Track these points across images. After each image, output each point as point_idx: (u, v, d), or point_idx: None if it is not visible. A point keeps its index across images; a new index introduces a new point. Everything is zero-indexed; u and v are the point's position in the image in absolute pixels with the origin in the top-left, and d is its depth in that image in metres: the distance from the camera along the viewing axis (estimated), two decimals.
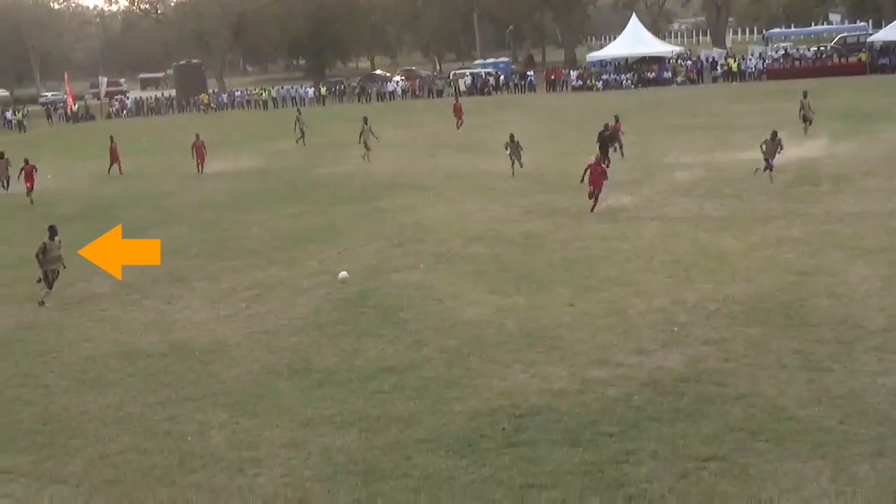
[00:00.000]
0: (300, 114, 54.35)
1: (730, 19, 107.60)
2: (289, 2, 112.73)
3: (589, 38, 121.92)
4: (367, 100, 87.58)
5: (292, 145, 52.10)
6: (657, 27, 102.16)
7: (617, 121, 37.80)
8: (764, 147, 29.72)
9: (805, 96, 40.32)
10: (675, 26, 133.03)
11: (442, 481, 11.94)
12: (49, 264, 21.09)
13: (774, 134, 29.94)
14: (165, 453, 13.30)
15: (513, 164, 34.70)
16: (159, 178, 43.30)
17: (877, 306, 17.36)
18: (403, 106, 73.44)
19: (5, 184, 39.87)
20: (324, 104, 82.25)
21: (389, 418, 13.98)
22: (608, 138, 33.85)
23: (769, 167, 29.51)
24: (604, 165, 26.27)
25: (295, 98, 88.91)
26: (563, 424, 13.29)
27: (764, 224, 24.63)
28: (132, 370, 16.99)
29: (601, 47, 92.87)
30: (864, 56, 73.03)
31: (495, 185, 32.90)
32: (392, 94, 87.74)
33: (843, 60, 75.11)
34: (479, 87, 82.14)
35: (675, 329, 16.95)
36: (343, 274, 20.49)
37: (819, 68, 73.29)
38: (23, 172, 37.21)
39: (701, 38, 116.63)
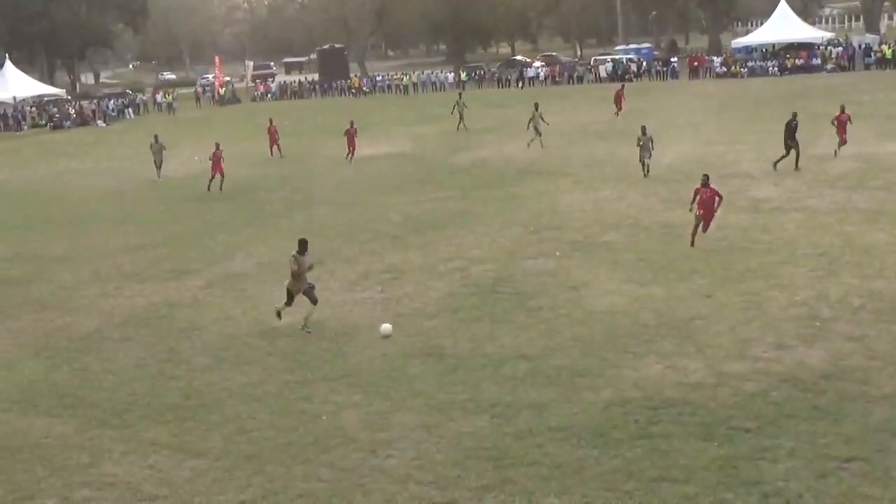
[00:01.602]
0: (461, 98, 53.93)
1: (885, 3, 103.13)
2: None
3: (735, 23, 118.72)
4: (506, 85, 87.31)
5: (433, 130, 52.37)
6: (807, 12, 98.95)
7: (843, 111, 33.85)
8: None
9: None
10: (827, 11, 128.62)
11: (573, 471, 11.91)
12: (301, 282, 18.25)
13: None
14: (300, 431, 13.64)
15: (643, 164, 31.83)
16: (302, 161, 44.12)
17: None
18: (543, 92, 73.01)
19: (158, 169, 40.75)
20: (463, 89, 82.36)
21: (521, 405, 14.02)
22: (794, 129, 31.69)
23: None
24: (712, 187, 22.15)
25: (435, 83, 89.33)
26: (697, 418, 13.11)
27: None
28: (270, 349, 17.48)
29: (747, 33, 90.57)
30: None
31: (634, 173, 32.41)
32: (532, 79, 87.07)
33: None
34: (620, 74, 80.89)
35: (818, 324, 16.53)
36: (386, 327, 16.91)
37: None
38: (213, 157, 36.32)
39: (853, 23, 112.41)
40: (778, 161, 31.37)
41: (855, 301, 17.54)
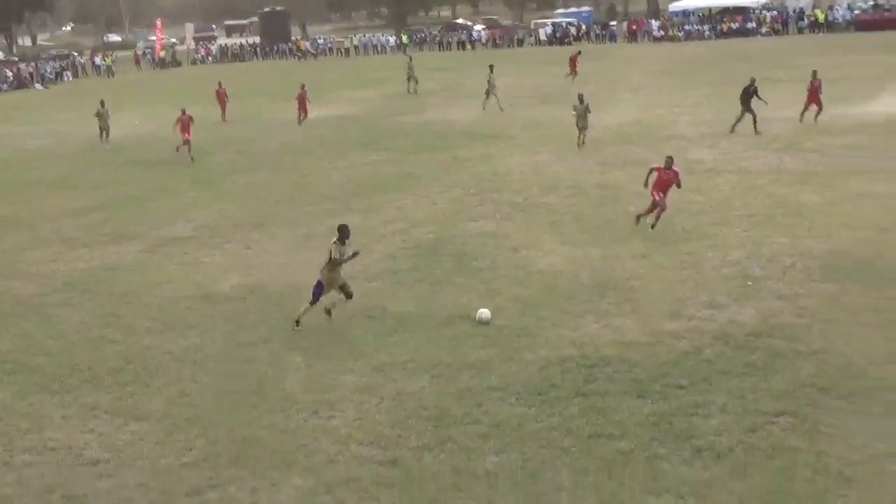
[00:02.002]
0: (411, 61, 53.92)
1: None
2: None
3: None
4: (448, 48, 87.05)
5: (376, 93, 52.19)
6: None
7: (815, 76, 33.05)
8: None
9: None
10: None
11: (511, 429, 12.05)
12: (338, 274, 15.90)
13: None
14: (242, 394, 13.61)
15: (580, 134, 30.65)
16: (245, 124, 43.75)
17: None
18: (486, 55, 72.86)
19: (105, 134, 39.49)
20: (405, 52, 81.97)
21: (461, 365, 14.12)
22: (751, 93, 31.81)
23: None
24: (675, 170, 20.03)
25: (377, 46, 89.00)
26: (633, 375, 13.31)
27: (846, 179, 24.16)
28: (212, 312, 17.38)
29: None
30: None
31: (573, 135, 32.58)
32: (473, 43, 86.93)
33: None
34: (559, 37, 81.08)
35: (749, 283, 16.84)
36: (483, 313, 15.75)
37: None
38: (179, 123, 34.47)
39: None
40: (735, 124, 31.97)
41: (786, 260, 17.86)
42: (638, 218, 20.58)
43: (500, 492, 10.66)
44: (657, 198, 20.02)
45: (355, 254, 15.99)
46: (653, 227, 20.25)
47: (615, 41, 79.64)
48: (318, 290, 15.81)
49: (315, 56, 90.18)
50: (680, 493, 10.35)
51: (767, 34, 74.35)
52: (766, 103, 31.87)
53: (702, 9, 79.87)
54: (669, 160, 20.18)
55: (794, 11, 77.79)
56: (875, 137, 29.34)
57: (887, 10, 73.67)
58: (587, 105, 30.45)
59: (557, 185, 25.69)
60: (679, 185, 20.28)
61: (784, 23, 76.06)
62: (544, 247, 19.97)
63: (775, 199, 22.66)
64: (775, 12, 78.78)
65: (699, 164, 27.17)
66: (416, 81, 50.94)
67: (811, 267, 17.39)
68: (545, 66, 54.84)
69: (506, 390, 13.14)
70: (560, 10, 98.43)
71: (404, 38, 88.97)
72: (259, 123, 43.91)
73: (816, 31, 73.14)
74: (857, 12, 74.50)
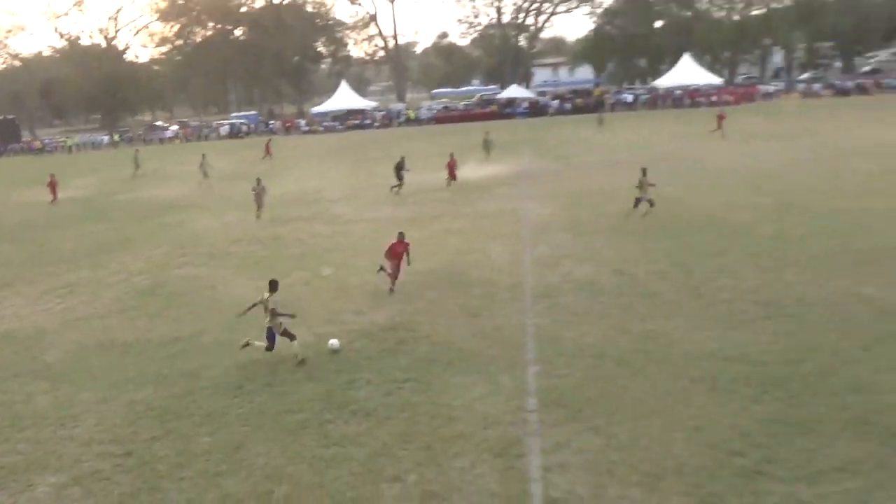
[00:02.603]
0: (138, 152, 50.56)
1: (408, 83, 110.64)
2: (86, 70, 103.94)
3: (313, 96, 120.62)
4: (150, 143, 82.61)
5: (95, 179, 48.35)
6: (361, 90, 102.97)
7: (452, 157, 33.11)
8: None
9: (487, 132, 42.26)
10: (372, 87, 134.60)
11: (219, 415, 11.87)
12: (277, 320, 13.76)
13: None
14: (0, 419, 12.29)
15: (258, 207, 28.47)
16: None
17: (507, 272, 18.69)
18: (180, 148, 70.05)
19: None
20: (116, 147, 77.15)
21: (177, 374, 13.67)
22: (401, 166, 32.08)
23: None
24: (405, 242, 17.66)
25: (93, 144, 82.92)
26: (305, 366, 13.46)
27: (436, 221, 25.68)
28: None
29: (321, 103, 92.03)
30: (495, 107, 77.45)
31: (251, 202, 32.17)
32: (171, 139, 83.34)
33: (482, 110, 79.10)
34: (235, 133, 79.83)
35: (381, 296, 17.45)
36: (333, 342, 14.26)
37: (467, 115, 77.03)
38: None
39: (390, 95, 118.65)
40: (394, 187, 32.07)
41: (403, 278, 18.67)
42: (391, 291, 17.49)
43: (213, 463, 10.49)
44: (392, 266, 17.49)
45: (292, 315, 13.98)
46: (391, 291, 17.51)
47: (275, 134, 79.42)
48: (272, 335, 13.69)
49: (51, 152, 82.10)
50: (343, 445, 10.68)
51: (379, 127, 77.58)
52: (408, 170, 32.50)
53: (335, 111, 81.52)
54: (401, 235, 17.80)
55: (395, 112, 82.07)
56: (455, 193, 31.36)
57: (453, 111, 79.95)
58: (264, 186, 29.06)
59: (240, 239, 25.27)
60: (408, 255, 17.70)
61: (390, 119, 79.72)
62: (233, 283, 19.61)
63: (394, 237, 23.59)
64: (384, 112, 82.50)
65: (341, 216, 27.85)
66: (138, 166, 48.00)
67: (419, 281, 18.36)
68: (226, 154, 53.57)
69: (213, 388, 12.89)
70: (234, 113, 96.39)
71: (116, 137, 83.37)
72: (5, 206, 39.31)
73: (410, 124, 77.28)
74: (434, 112, 79.93)
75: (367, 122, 79.20)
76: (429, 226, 24.86)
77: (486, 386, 12.16)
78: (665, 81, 75.57)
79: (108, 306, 18.44)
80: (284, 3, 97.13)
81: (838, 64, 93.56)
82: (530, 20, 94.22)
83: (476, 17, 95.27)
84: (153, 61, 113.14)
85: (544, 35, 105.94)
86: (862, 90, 72.51)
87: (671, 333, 13.78)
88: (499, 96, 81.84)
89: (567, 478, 9.45)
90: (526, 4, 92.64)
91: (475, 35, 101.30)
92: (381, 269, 17.75)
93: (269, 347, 13.74)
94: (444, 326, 15.04)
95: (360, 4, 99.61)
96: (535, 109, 76.50)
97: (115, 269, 22.29)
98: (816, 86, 77.36)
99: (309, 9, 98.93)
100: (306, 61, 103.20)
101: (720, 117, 45.43)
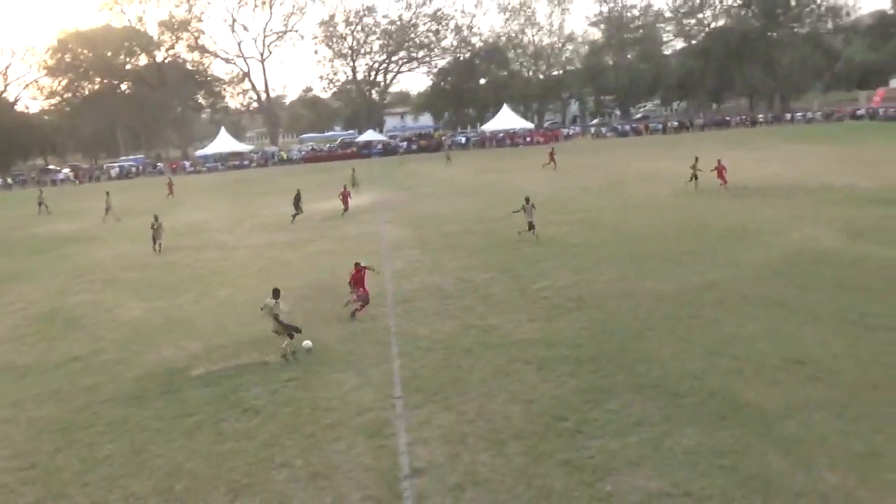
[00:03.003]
0: (42, 193, 45.66)
1: (280, 129, 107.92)
2: None
3: (196, 141, 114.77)
4: (45, 185, 75.51)
5: None
6: (238, 134, 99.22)
7: (345, 188, 31.71)
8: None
9: (353, 168, 41.53)
10: (249, 133, 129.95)
11: (119, 424, 10.96)
12: (279, 323, 13.33)
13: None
14: None
15: (155, 242, 25.61)
16: None
17: (373, 283, 18.35)
18: (73, 189, 64.58)
19: None
20: (10, 190, 70.09)
21: (78, 390, 12.50)
22: (298, 198, 31.04)
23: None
24: (362, 266, 15.50)
25: None
26: (199, 373, 12.71)
27: (309, 244, 25.13)
28: None
29: (204, 146, 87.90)
30: (354, 148, 77.15)
31: (145, 233, 30.10)
32: (63, 181, 76.50)
33: (343, 151, 78.62)
34: (125, 174, 74.55)
35: (262, 308, 16.70)
36: (307, 343, 13.42)
37: (332, 156, 76.22)
38: None
39: (265, 139, 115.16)
40: (294, 216, 30.62)
41: (286, 293, 18.05)
42: (353, 314, 15.44)
43: (115, 467, 9.66)
44: (359, 292, 15.44)
45: (298, 329, 13.48)
46: (353, 315, 15.44)
47: (162, 174, 74.99)
48: (291, 327, 13.39)
49: None
50: (236, 439, 10.16)
51: (256, 167, 75.09)
52: (302, 210, 31.11)
53: (216, 153, 78.12)
54: (357, 264, 15.49)
55: (270, 153, 79.68)
56: (325, 220, 30.78)
57: (320, 152, 78.76)
58: (161, 223, 26.21)
59: (133, 266, 23.59)
60: (366, 275, 15.67)
61: (265, 160, 77.35)
62: (129, 305, 18.26)
63: (272, 259, 22.92)
64: (259, 153, 79.98)
65: (226, 244, 26.62)
66: (47, 207, 43.44)
67: (297, 294, 17.74)
68: (123, 192, 49.95)
69: (113, 401, 11.88)
70: (123, 157, 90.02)
71: (10, 180, 75.59)
72: None
73: (283, 164, 75.35)
74: (303, 153, 78.45)
75: (246, 162, 76.57)
76: (303, 248, 24.29)
77: (359, 379, 11.96)
78: (490, 126, 78.23)
79: (5, 333, 16.61)
80: (166, 61, 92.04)
81: (618, 112, 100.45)
82: (380, 77, 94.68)
83: (335, 74, 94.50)
84: (44, 112, 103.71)
85: (392, 89, 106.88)
86: (636, 132, 78.34)
87: (505, 326, 14.14)
88: (357, 139, 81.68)
89: (428, 450, 9.44)
90: (376, 65, 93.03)
91: (335, 89, 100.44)
92: (347, 303, 15.66)
93: (294, 334, 13.28)
94: (320, 332, 14.61)
95: (234, 63, 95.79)
96: (388, 150, 76.96)
97: (13, 298, 20.16)
98: (604, 129, 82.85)
99: (189, 67, 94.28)
100: (188, 111, 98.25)
101: (551, 154, 47.02)
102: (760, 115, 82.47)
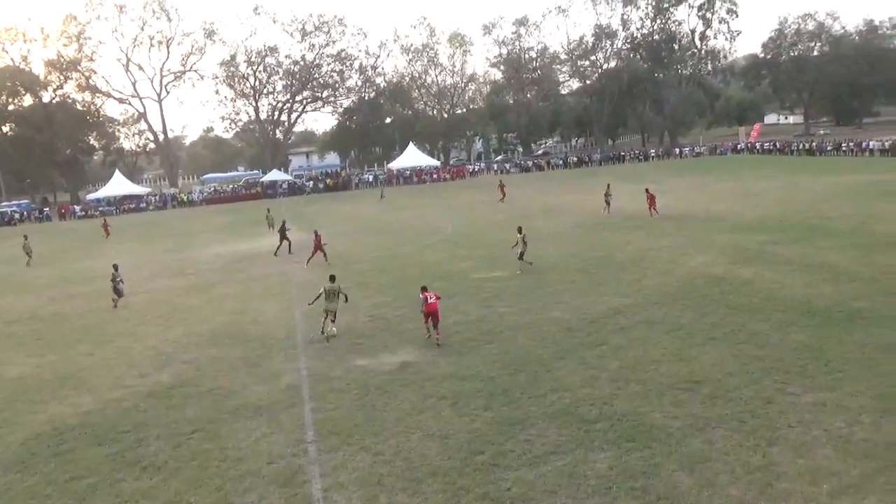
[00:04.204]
0: None
1: (180, 170, 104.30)
2: None
3: (87, 184, 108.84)
4: None
5: None
6: (133, 177, 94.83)
7: (316, 234, 27.89)
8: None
9: (269, 209, 40.59)
10: (146, 175, 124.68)
11: (2, 493, 9.97)
12: (333, 303, 16.19)
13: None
14: None
15: (116, 296, 22.42)
16: None
17: (281, 326, 18.02)
18: None
19: None
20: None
21: None
22: (283, 229, 30.75)
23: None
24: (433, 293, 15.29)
25: None
26: (93, 432, 11.92)
27: (214, 287, 24.24)
28: None
29: (97, 190, 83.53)
30: (259, 189, 75.61)
31: (32, 281, 28.17)
32: None
33: (248, 191, 76.96)
34: (7, 221, 69.65)
35: (164, 357, 16.03)
36: (333, 329, 16.22)
37: (236, 196, 74.50)
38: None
39: (163, 181, 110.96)
40: (278, 248, 30.29)
41: (184, 339, 17.40)
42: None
43: None
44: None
45: (346, 297, 16.72)
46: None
47: (51, 220, 70.51)
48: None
49: None
50: (135, 500, 9.49)
51: (154, 209, 72.13)
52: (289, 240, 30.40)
53: (110, 196, 74.40)
54: (423, 287, 15.48)
55: (168, 195, 76.73)
56: (228, 263, 29.82)
57: (223, 193, 76.72)
58: (122, 276, 23.01)
59: (20, 318, 21.90)
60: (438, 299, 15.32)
61: (164, 202, 74.44)
62: (14, 361, 16.87)
63: (173, 304, 21.90)
64: (157, 195, 76.99)
65: (130, 291, 25.12)
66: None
67: (200, 341, 17.15)
68: (11, 239, 46.56)
69: None
70: (5, 202, 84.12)
71: None
72: None
73: (184, 206, 72.65)
74: (205, 194, 76.15)
75: (143, 205, 73.39)
76: (207, 292, 23.37)
77: (270, 426, 11.52)
78: (396, 164, 78.77)
79: None
80: (54, 101, 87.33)
81: (520, 148, 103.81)
82: (284, 117, 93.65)
83: (237, 114, 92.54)
84: None
85: (297, 129, 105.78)
86: (538, 167, 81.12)
87: (419, 363, 14.08)
88: (262, 179, 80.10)
89: (344, 494, 9.17)
90: (280, 104, 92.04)
91: (237, 129, 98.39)
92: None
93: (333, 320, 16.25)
94: (227, 378, 14.08)
95: (129, 104, 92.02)
96: (294, 189, 75.90)
97: None
98: (507, 165, 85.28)
99: (79, 107, 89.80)
100: (78, 153, 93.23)
101: (501, 187, 47.91)
102: (652, 151, 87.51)
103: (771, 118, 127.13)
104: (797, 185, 41.32)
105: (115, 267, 23.08)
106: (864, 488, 8.38)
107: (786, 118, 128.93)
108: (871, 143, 65.73)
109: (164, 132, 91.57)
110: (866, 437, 9.57)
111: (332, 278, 16.48)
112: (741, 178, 49.41)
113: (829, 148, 69.80)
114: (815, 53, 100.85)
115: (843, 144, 68.94)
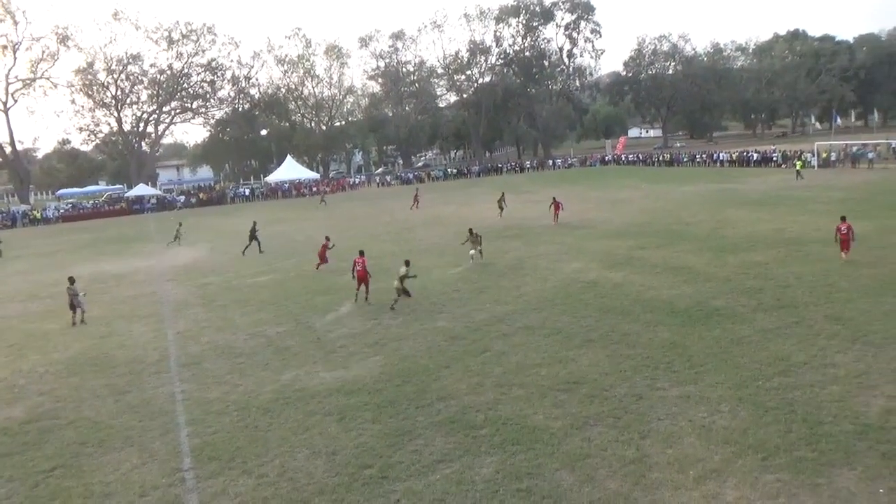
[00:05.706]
0: None
1: (31, 185, 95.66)
2: None
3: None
4: None
5: None
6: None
7: (327, 239, 27.04)
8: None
9: (180, 223, 37.58)
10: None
11: None
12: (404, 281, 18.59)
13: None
14: None
15: (74, 311, 19.74)
16: None
17: (152, 349, 17.01)
18: None
19: None
20: None
21: None
22: (254, 231, 31.66)
23: None
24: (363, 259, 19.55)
25: None
26: None
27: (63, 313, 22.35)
28: None
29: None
30: (124, 204, 71.06)
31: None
32: None
33: (111, 207, 72.14)
34: None
35: (16, 390, 14.62)
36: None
37: (97, 213, 69.23)
38: None
39: (11, 197, 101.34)
40: (246, 248, 31.38)
41: (41, 369, 15.95)
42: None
43: None
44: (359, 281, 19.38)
45: (413, 275, 19.15)
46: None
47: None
48: (407, 292, 18.61)
49: None
50: None
51: (1, 228, 65.61)
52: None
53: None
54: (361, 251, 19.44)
55: (19, 213, 70.03)
56: (88, 285, 27.73)
57: (82, 209, 71.24)
58: (80, 291, 20.62)
59: None
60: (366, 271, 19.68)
61: (13, 221, 67.76)
62: None
63: (27, 332, 20.00)
64: (4, 213, 70.12)
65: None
66: None
67: (60, 370, 15.80)
68: None
69: None
70: None
71: None
72: None
73: (36, 224, 66.36)
74: (62, 211, 70.33)
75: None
76: (65, 316, 21.48)
77: (141, 456, 10.78)
78: (274, 177, 76.69)
79: None
80: None
81: (401, 161, 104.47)
82: (150, 128, 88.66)
83: (97, 125, 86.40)
84: None
85: (166, 141, 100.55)
86: (419, 179, 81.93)
87: (303, 379, 13.73)
88: (127, 194, 75.25)
89: None
90: (145, 115, 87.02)
91: (97, 141, 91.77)
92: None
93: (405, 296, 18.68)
94: (91, 409, 13.05)
95: None
96: (163, 204, 71.97)
97: None
98: (388, 177, 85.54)
99: None
100: None
101: (416, 197, 48.87)
102: (528, 162, 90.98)
103: (634, 132, 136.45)
104: (658, 194, 44.43)
105: (71, 280, 20.93)
106: (724, 472, 9.08)
107: (647, 132, 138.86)
108: (721, 154, 72.15)
109: (12, 144, 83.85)
110: (725, 424, 10.39)
111: (406, 263, 19.05)
112: (609, 187, 52.42)
113: (685, 159, 75.79)
114: (671, 72, 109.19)
115: (697, 156, 75.17)
